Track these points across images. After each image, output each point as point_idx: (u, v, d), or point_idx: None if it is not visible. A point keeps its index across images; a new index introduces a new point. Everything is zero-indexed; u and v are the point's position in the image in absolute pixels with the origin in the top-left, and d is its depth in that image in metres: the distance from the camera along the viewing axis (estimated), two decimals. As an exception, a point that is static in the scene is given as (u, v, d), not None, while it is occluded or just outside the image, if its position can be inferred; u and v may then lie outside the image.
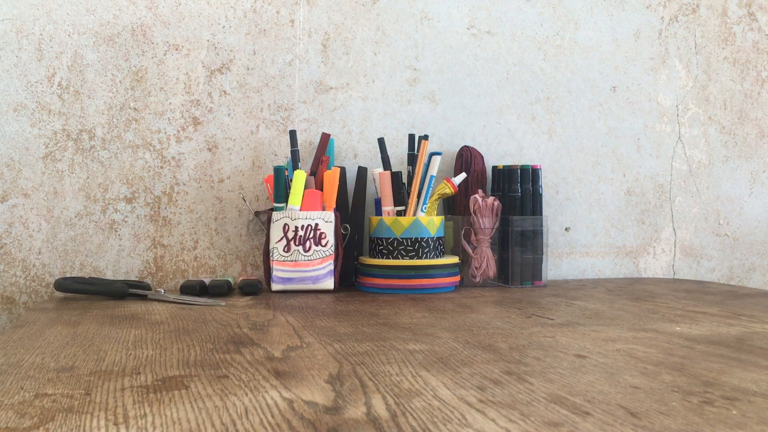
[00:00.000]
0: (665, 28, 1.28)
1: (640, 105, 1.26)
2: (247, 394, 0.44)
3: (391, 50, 1.13)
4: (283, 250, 0.95)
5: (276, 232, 0.95)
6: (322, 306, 0.85)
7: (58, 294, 0.95)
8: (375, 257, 1.00)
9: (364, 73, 1.12)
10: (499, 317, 0.76)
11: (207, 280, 0.97)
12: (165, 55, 1.03)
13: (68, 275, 1.00)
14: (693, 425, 0.37)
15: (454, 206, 1.12)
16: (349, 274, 1.04)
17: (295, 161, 1.01)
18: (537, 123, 1.20)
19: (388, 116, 1.13)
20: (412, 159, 1.05)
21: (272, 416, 0.39)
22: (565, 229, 1.22)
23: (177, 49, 1.04)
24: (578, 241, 1.23)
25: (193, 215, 1.05)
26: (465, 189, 1.09)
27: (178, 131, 1.04)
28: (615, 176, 1.25)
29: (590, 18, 1.23)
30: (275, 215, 0.96)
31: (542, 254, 1.07)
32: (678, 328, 0.68)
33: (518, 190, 1.08)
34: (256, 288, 0.95)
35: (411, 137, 1.07)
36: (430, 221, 1.00)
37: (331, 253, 0.96)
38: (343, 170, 1.04)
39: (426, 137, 1.03)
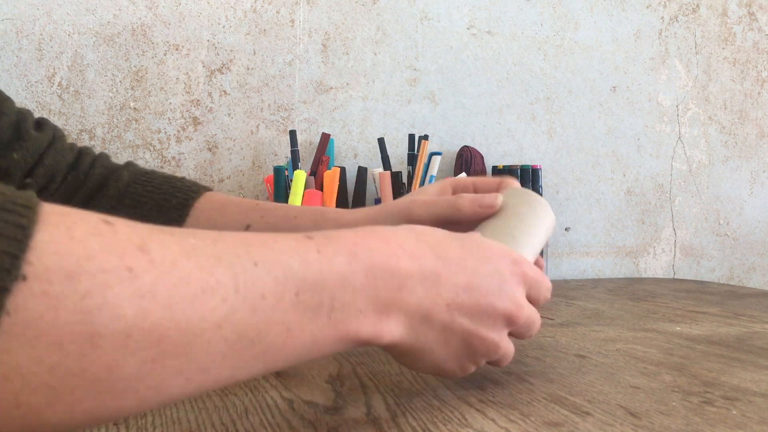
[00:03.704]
0: (665, 28, 1.28)
1: (640, 105, 1.26)
2: (247, 394, 0.44)
3: (391, 50, 1.13)
4: (283, 250, 0.95)
5: (276, 232, 0.95)
6: (322, 306, 0.84)
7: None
8: (375, 257, 1.00)
9: (364, 73, 1.12)
10: (499, 317, 0.75)
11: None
12: (165, 55, 1.03)
13: (68, 275, 1.00)
14: (693, 425, 0.37)
15: (454, 206, 1.11)
16: (349, 274, 1.04)
17: (295, 161, 1.01)
18: (537, 123, 1.20)
19: (388, 116, 1.13)
20: (412, 159, 1.05)
21: (272, 416, 0.39)
22: (565, 229, 1.22)
23: (177, 49, 1.04)
24: (578, 241, 1.23)
25: (193, 215, 1.05)
26: (465, 189, 1.09)
27: (178, 131, 1.04)
28: (615, 176, 1.25)
29: (590, 18, 1.23)
30: (275, 215, 0.96)
31: (542, 254, 1.07)
32: (678, 328, 0.68)
33: (518, 190, 1.08)
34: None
35: (411, 137, 1.07)
36: (430, 221, 0.99)
37: (331, 253, 0.96)
38: (343, 170, 1.04)
39: (426, 137, 1.03)
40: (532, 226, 0.49)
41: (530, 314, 0.43)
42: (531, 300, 0.44)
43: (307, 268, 0.32)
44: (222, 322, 0.28)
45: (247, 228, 0.54)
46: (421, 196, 0.53)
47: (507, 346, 0.43)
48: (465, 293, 0.39)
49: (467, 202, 0.51)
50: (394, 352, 0.39)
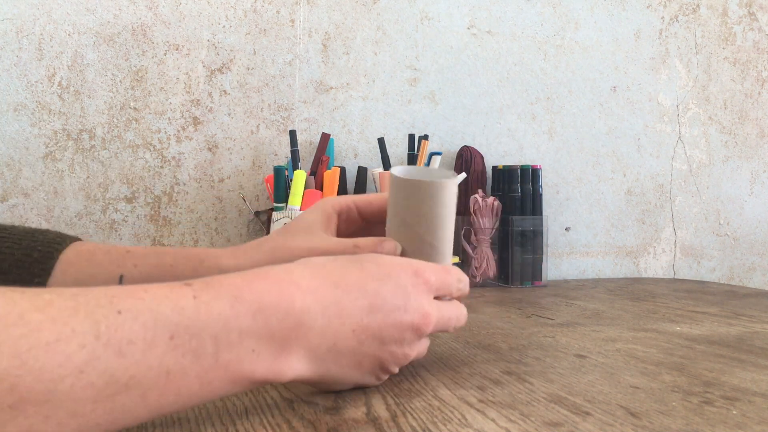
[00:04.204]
0: (665, 28, 1.28)
1: (640, 105, 1.26)
2: (247, 394, 0.44)
3: (391, 50, 1.13)
4: (283, 250, 0.95)
5: (276, 231, 0.95)
6: (322, 306, 0.84)
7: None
8: (375, 257, 1.00)
9: (364, 73, 1.12)
10: (499, 317, 0.76)
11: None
12: (165, 54, 1.03)
13: (68, 275, 1.00)
14: (693, 425, 0.37)
15: (454, 206, 1.11)
16: (349, 273, 1.04)
17: (295, 161, 1.01)
18: (537, 123, 1.20)
19: (388, 116, 1.13)
20: (412, 159, 1.05)
21: (272, 416, 0.39)
22: (566, 228, 1.22)
23: (177, 49, 1.04)
24: (578, 240, 1.23)
25: (193, 215, 1.05)
26: (465, 189, 1.09)
27: (179, 131, 1.04)
28: (615, 176, 1.25)
29: (590, 18, 1.23)
30: (275, 215, 0.96)
31: (542, 254, 1.07)
32: (678, 328, 0.68)
33: (518, 190, 1.08)
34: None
35: (411, 137, 1.07)
36: (430, 221, 0.99)
37: (331, 253, 0.96)
38: (343, 170, 1.04)
39: (426, 137, 1.03)
40: (433, 216, 0.48)
41: (442, 315, 0.44)
42: (445, 296, 0.45)
43: (181, 313, 0.33)
44: (84, 368, 0.29)
45: (121, 278, 0.51)
46: (308, 235, 0.50)
47: (420, 350, 0.44)
48: (369, 316, 0.40)
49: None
50: (306, 383, 0.40)
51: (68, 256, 0.53)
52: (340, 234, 0.54)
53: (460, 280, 0.47)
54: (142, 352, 0.31)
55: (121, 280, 0.51)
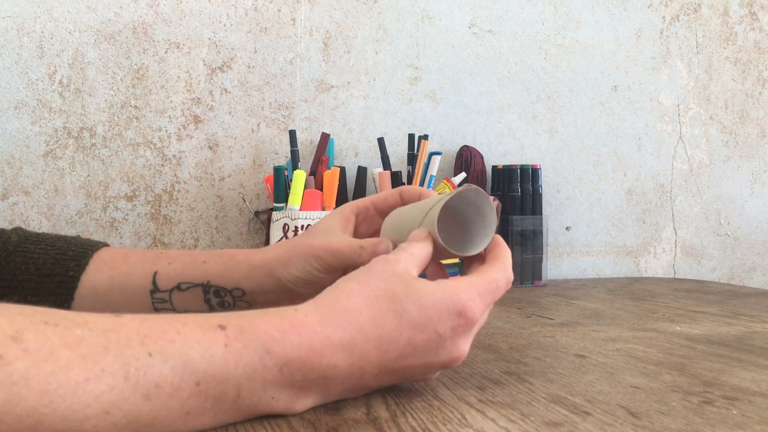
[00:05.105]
0: (666, 28, 1.28)
1: (641, 104, 1.26)
2: (247, 393, 0.44)
3: (392, 49, 1.13)
4: (284, 249, 0.95)
5: (276, 231, 0.95)
6: (323, 305, 0.84)
7: (59, 292, 0.95)
8: (375, 256, 1.00)
9: (365, 72, 1.12)
10: (499, 317, 0.76)
11: (207, 279, 0.97)
12: (166, 53, 1.03)
13: (69, 273, 1.00)
14: (693, 425, 0.37)
15: (454, 205, 1.11)
16: (350, 272, 1.04)
17: (294, 161, 1.01)
18: (538, 122, 1.20)
19: (389, 115, 1.13)
20: (412, 159, 1.05)
21: (272, 416, 0.39)
22: (566, 228, 1.22)
23: (178, 47, 1.04)
24: (579, 240, 1.23)
25: (193, 213, 1.05)
26: (465, 188, 1.09)
27: (179, 129, 1.04)
28: (616, 176, 1.25)
29: (591, 17, 1.23)
30: (275, 215, 0.96)
31: (542, 254, 1.07)
32: (678, 328, 0.68)
33: (518, 189, 1.08)
34: (257, 286, 0.95)
35: (411, 137, 1.07)
36: (430, 220, 0.99)
37: (332, 251, 0.96)
38: (342, 170, 1.04)
39: (426, 137, 1.03)
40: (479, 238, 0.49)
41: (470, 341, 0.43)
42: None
43: (210, 360, 0.33)
44: (110, 408, 0.29)
45: (156, 274, 0.52)
46: (327, 235, 0.52)
47: (454, 357, 0.43)
48: (396, 362, 0.40)
49: (368, 257, 0.49)
50: None
51: (102, 255, 0.55)
52: (360, 233, 0.55)
53: (507, 287, 0.45)
54: (168, 395, 0.31)
55: (154, 277, 0.52)
